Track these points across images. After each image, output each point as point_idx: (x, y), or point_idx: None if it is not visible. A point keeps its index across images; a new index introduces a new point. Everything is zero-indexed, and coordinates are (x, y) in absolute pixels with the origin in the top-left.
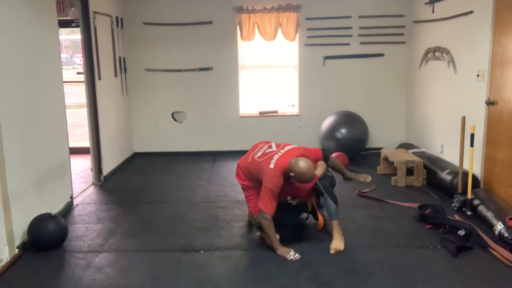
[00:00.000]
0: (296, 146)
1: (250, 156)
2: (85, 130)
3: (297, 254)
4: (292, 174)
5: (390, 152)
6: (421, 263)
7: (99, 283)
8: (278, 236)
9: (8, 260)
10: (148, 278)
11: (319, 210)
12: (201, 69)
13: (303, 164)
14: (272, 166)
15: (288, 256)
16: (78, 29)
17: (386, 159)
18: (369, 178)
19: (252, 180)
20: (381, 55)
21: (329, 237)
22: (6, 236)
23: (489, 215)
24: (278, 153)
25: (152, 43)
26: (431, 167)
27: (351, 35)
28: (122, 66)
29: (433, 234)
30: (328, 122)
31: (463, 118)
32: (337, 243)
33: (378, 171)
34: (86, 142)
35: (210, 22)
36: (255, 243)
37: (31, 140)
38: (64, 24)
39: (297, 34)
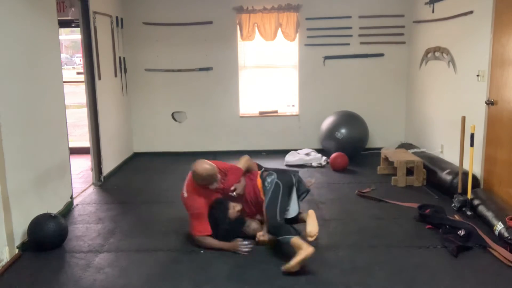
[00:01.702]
0: None
1: None
2: (85, 130)
3: (246, 242)
4: (198, 183)
5: (390, 152)
6: (421, 263)
7: (99, 283)
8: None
9: (8, 260)
10: (148, 278)
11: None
12: (201, 69)
13: (195, 167)
14: (185, 194)
15: (239, 249)
16: (78, 29)
17: (386, 159)
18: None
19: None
20: (381, 55)
21: (328, 236)
22: (6, 236)
23: (489, 215)
24: (186, 178)
25: (152, 43)
26: (431, 167)
27: (351, 35)
28: (122, 66)
29: (433, 234)
30: (328, 122)
31: (463, 118)
32: (310, 228)
33: (378, 171)
34: (86, 142)
35: (210, 22)
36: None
37: (31, 140)
38: (64, 24)
39: (297, 34)
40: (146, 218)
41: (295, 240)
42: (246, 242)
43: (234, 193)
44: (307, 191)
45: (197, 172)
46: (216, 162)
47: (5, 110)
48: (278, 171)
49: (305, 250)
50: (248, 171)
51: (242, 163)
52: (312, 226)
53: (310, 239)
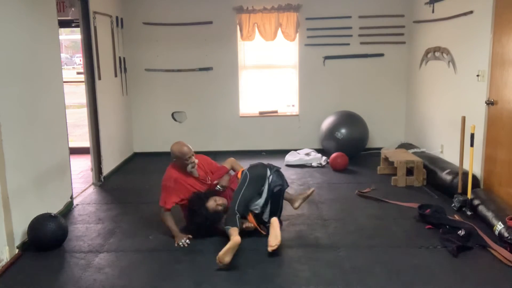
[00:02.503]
0: None
1: None
2: (85, 130)
3: (186, 240)
4: (174, 159)
5: (390, 152)
6: (421, 263)
7: (99, 283)
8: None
9: (8, 260)
10: (148, 278)
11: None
12: (201, 69)
13: (172, 144)
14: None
15: (179, 242)
16: (78, 29)
17: (386, 159)
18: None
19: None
20: (381, 55)
21: (328, 236)
22: (6, 236)
23: (489, 215)
24: None
25: (152, 43)
26: (431, 167)
27: (351, 35)
28: (122, 66)
29: (433, 234)
30: (328, 122)
31: (463, 118)
32: (270, 238)
33: (378, 171)
34: (86, 142)
35: (210, 22)
36: (255, 243)
37: (31, 140)
38: (64, 24)
39: (297, 34)
40: (146, 218)
41: (230, 230)
42: (187, 242)
43: (218, 186)
44: (280, 185)
45: (171, 149)
46: (207, 159)
47: (5, 110)
48: (253, 164)
49: (231, 241)
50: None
51: (228, 163)
52: (273, 236)
53: (270, 249)
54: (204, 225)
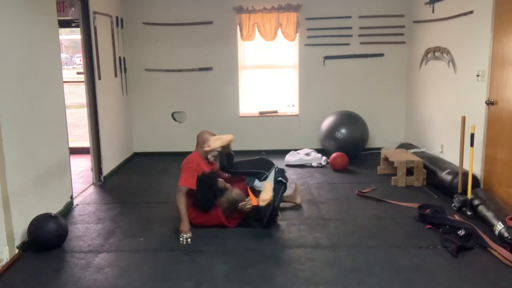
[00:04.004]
0: None
1: None
2: (85, 130)
3: (188, 239)
4: (203, 144)
5: (390, 152)
6: (421, 263)
7: (99, 283)
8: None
9: (8, 260)
10: (148, 278)
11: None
12: (201, 69)
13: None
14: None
15: (181, 237)
16: (78, 29)
17: (386, 159)
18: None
19: None
20: (381, 55)
21: (328, 236)
22: (6, 236)
23: (489, 215)
24: None
25: (152, 43)
26: (431, 167)
27: (351, 35)
28: (122, 66)
29: (433, 234)
30: (328, 122)
31: (463, 118)
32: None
33: (378, 171)
34: (86, 142)
35: (210, 22)
36: (255, 243)
37: (31, 140)
38: (64, 24)
39: (297, 34)
40: (146, 218)
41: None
42: (189, 241)
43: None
44: (285, 177)
45: (200, 134)
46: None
47: (5, 110)
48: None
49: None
50: None
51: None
52: (264, 192)
53: (262, 203)
54: (209, 196)
